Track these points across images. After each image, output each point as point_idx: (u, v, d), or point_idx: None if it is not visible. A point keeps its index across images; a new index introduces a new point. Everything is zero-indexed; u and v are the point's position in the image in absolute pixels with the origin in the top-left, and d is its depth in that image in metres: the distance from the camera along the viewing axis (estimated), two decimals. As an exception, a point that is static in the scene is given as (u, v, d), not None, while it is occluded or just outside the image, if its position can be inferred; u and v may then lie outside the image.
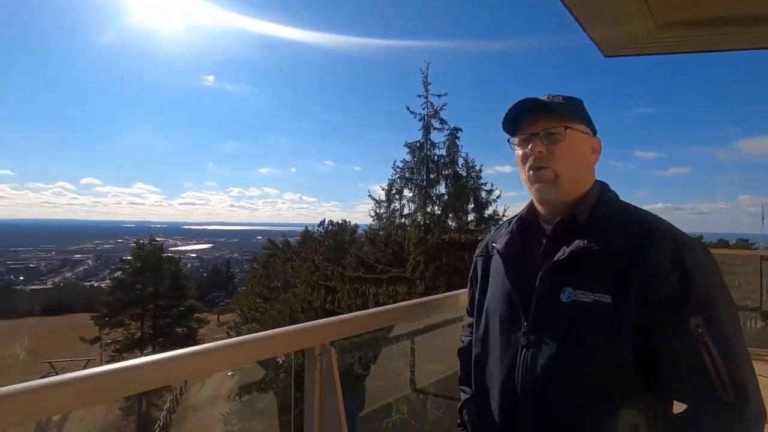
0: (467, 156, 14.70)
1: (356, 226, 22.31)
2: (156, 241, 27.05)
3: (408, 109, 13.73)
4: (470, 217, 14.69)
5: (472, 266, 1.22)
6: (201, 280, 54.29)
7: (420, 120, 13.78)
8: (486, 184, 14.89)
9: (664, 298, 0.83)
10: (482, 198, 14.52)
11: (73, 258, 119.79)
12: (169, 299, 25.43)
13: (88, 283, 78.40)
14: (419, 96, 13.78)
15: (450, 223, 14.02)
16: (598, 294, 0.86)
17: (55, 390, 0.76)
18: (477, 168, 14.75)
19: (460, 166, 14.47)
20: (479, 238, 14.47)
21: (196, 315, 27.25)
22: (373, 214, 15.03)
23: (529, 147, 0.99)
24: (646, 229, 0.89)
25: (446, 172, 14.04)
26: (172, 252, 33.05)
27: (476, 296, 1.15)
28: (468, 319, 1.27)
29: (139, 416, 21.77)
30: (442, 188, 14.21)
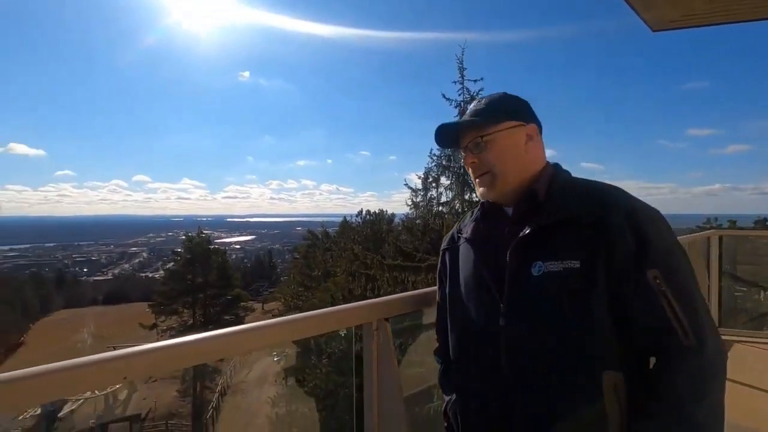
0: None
1: (393, 215, 22.43)
2: (204, 233, 28.45)
3: (444, 96, 13.54)
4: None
5: (440, 260, 1.24)
6: (245, 271, 56.56)
7: (456, 107, 13.56)
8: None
9: (626, 256, 0.88)
10: (522, 183, 14.21)
11: (130, 251, 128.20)
12: (217, 288, 26.78)
13: (143, 274, 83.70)
14: (455, 82, 13.55)
15: (487, 210, 13.85)
16: (567, 261, 0.90)
17: (124, 360, 0.82)
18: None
19: (499, 152, 14.23)
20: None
21: (242, 303, 28.55)
22: (409, 203, 15.06)
23: (465, 159, 1.10)
24: (604, 197, 0.95)
25: (484, 158, 13.85)
26: (217, 244, 34.53)
27: (447, 290, 1.16)
28: (438, 321, 1.27)
29: (194, 398, 23.19)
30: (480, 174, 14.04)
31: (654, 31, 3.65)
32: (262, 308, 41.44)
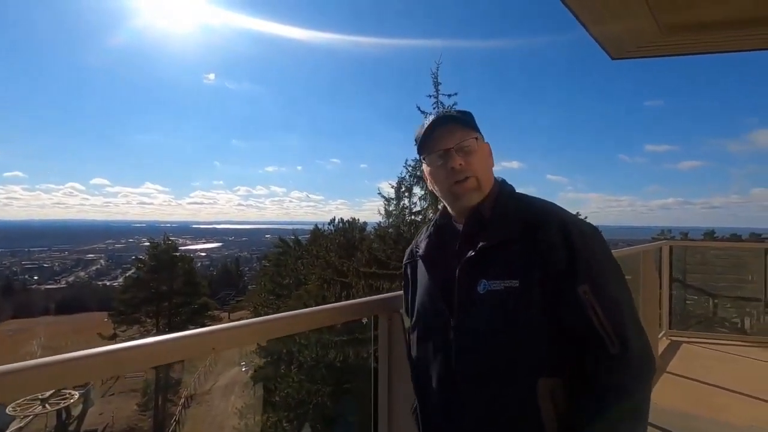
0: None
1: (365, 223, 22.56)
2: (169, 240, 27.57)
3: (419, 108, 13.94)
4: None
5: (403, 274, 1.29)
6: (211, 279, 54.92)
7: (430, 119, 13.99)
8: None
9: (559, 273, 0.95)
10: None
11: (86, 258, 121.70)
12: (182, 297, 25.93)
13: (100, 282, 79.66)
14: (429, 96, 13.97)
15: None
16: (508, 281, 0.96)
17: (80, 361, 0.80)
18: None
19: (470, 164, 14.69)
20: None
21: (209, 312, 27.74)
22: (382, 212, 15.28)
23: (449, 162, 1.06)
24: (539, 216, 1.01)
25: (456, 169, 14.27)
26: (182, 251, 33.50)
27: (409, 301, 1.23)
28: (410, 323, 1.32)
29: (155, 412, 22.26)
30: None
31: (613, 59, 4.01)
32: (229, 317, 40.33)
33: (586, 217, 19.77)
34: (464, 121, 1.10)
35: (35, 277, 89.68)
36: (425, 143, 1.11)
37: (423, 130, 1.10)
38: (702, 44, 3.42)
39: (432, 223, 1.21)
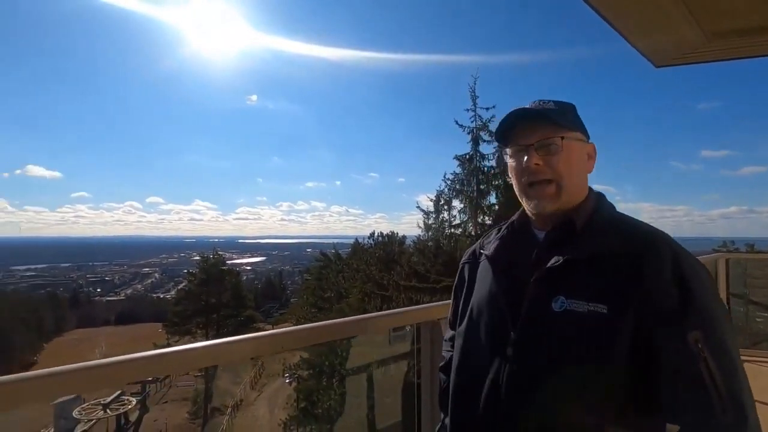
0: (517, 165, 14.71)
1: (404, 237, 22.64)
2: (218, 254, 28.92)
3: (456, 122, 14.04)
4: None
5: (458, 274, 1.16)
6: (256, 292, 56.72)
7: (468, 133, 13.99)
8: (538, 193, 14.82)
9: (664, 311, 0.80)
10: (534, 207, 14.44)
11: (142, 271, 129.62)
12: (230, 309, 27.01)
13: (155, 295, 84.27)
14: (467, 110, 14.02)
15: (501, 233, 14.06)
16: (593, 304, 0.82)
17: (134, 362, 0.97)
18: (528, 177, 14.71)
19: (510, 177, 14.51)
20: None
21: (254, 324, 28.67)
22: (421, 225, 15.33)
23: (525, 159, 0.94)
24: (646, 239, 0.86)
25: (496, 182, 14.11)
26: (229, 265, 34.92)
27: (461, 305, 1.10)
28: (449, 333, 1.21)
29: (204, 420, 23.09)
30: (492, 198, 14.30)
31: (657, 67, 3.91)
32: (273, 328, 41.33)
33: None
34: (553, 115, 0.94)
35: (98, 290, 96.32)
36: (505, 133, 0.98)
37: (503, 119, 0.97)
38: (748, 48, 3.29)
39: (507, 223, 1.07)
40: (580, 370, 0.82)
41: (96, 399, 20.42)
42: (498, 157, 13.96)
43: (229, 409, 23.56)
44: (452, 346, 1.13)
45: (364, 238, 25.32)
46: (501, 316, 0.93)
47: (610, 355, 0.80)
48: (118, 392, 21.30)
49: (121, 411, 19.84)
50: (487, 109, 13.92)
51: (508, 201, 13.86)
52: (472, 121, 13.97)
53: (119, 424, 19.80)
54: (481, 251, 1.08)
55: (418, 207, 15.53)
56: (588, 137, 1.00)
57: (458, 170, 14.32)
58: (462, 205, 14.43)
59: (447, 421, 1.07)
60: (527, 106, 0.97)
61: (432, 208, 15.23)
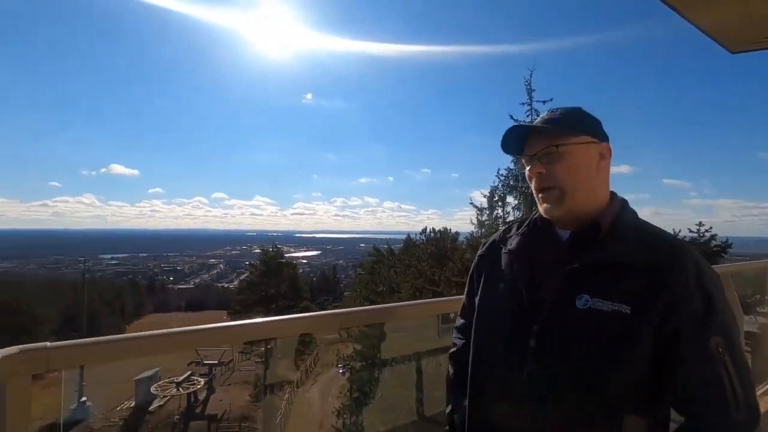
0: (576, 160, 14.05)
1: (457, 233, 22.39)
2: (277, 248, 30.37)
3: (511, 116, 13.61)
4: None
5: (475, 264, 1.19)
6: (311, 284, 58.66)
7: (524, 127, 13.59)
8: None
9: (690, 316, 0.84)
10: (594, 203, 13.73)
11: (209, 262, 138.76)
12: (287, 300, 28.31)
13: (220, 284, 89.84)
14: (522, 104, 13.60)
15: (558, 231, 13.54)
16: (617, 304, 0.86)
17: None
18: (588, 172, 14.00)
19: (568, 171, 13.92)
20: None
21: (309, 315, 29.82)
22: (474, 222, 15.11)
23: (531, 168, 1.02)
24: (672, 248, 0.90)
25: (553, 177, 13.62)
26: (287, 258, 36.52)
27: (478, 297, 1.12)
28: (460, 321, 1.25)
29: (265, 403, 24.46)
30: (549, 195, 13.80)
31: (733, 53, 3.57)
32: (327, 321, 42.55)
33: (711, 227, 17.22)
34: (554, 124, 1.00)
35: (171, 278, 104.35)
36: (516, 145, 1.06)
37: (502, 138, 1.04)
38: None
39: (529, 220, 1.12)
40: (601, 365, 0.86)
41: (170, 378, 22.36)
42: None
43: (287, 395, 24.78)
44: (463, 334, 1.19)
45: (416, 234, 25.40)
46: (522, 309, 0.97)
47: (631, 353, 0.85)
48: (189, 373, 23.15)
49: (191, 390, 21.56)
50: (544, 102, 13.40)
51: (566, 197, 13.37)
52: (527, 115, 13.51)
53: (189, 402, 21.50)
54: (502, 245, 1.12)
55: (471, 203, 15.32)
56: (601, 137, 1.02)
57: (512, 166, 13.96)
58: (516, 202, 14.06)
59: (463, 404, 1.10)
60: (521, 124, 1.06)
61: (485, 204, 14.98)
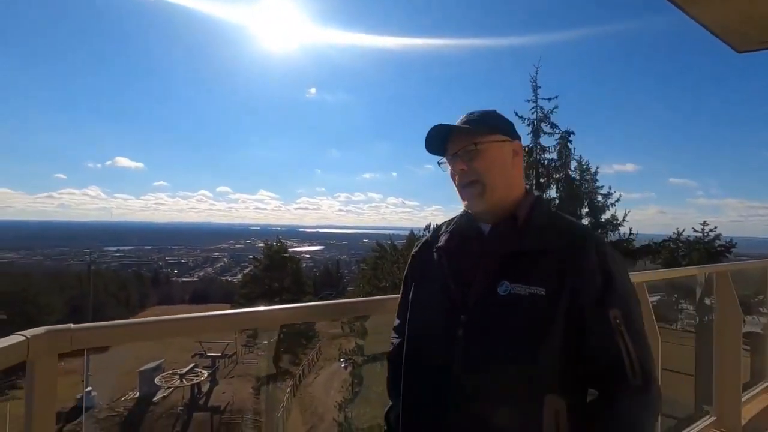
0: (581, 159, 14.00)
1: (460, 230, 22.34)
2: (281, 242, 30.50)
3: (516, 114, 13.60)
4: (585, 221, 13.92)
5: (408, 265, 1.25)
6: (315, 279, 58.88)
7: (529, 125, 13.54)
8: (602, 187, 14.01)
9: (591, 293, 0.94)
10: (598, 202, 13.68)
11: (213, 256, 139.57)
12: (291, 294, 28.45)
13: (224, 278, 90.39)
14: (528, 101, 13.56)
15: (562, 229, 13.53)
16: (534, 287, 0.95)
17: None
18: (592, 170, 13.95)
19: (573, 170, 13.86)
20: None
21: (312, 310, 29.94)
22: (478, 219, 15.12)
23: (453, 166, 1.11)
24: (578, 234, 1.01)
25: (557, 176, 13.58)
26: (290, 252, 36.73)
27: (411, 295, 1.18)
28: (397, 321, 1.29)
29: (267, 396, 24.68)
30: (553, 192, 13.78)
31: (739, 52, 3.53)
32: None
33: (716, 227, 17.15)
34: (472, 125, 1.08)
35: (175, 271, 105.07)
36: (438, 146, 1.13)
37: (426, 137, 1.11)
38: None
39: (456, 218, 1.20)
40: (523, 345, 0.94)
41: (173, 369, 22.61)
42: (559, 149, 13.39)
43: (289, 388, 25.00)
44: (399, 334, 1.23)
45: (419, 230, 25.45)
46: (451, 300, 1.04)
47: (548, 330, 0.93)
48: (192, 365, 23.40)
49: (195, 381, 21.79)
50: (549, 99, 13.36)
51: (570, 194, 13.30)
52: (532, 112, 13.50)
53: (193, 393, 21.74)
54: (433, 243, 1.18)
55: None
56: (514, 136, 1.13)
57: (517, 163, 13.92)
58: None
59: (398, 402, 1.15)
60: (443, 124, 1.10)
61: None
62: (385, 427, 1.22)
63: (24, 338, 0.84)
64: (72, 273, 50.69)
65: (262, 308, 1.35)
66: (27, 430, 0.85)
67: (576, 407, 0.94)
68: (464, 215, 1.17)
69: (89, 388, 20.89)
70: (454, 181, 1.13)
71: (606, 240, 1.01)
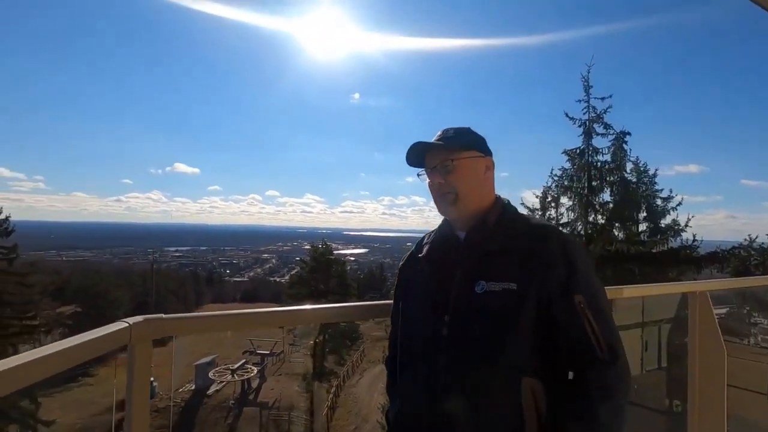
0: (638, 160, 13.25)
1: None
2: (327, 244, 31.20)
3: (566, 115, 13.09)
4: (642, 227, 13.14)
5: (397, 278, 1.35)
6: (359, 282, 59.59)
7: (580, 125, 13.00)
8: (661, 190, 13.16)
9: (557, 282, 1.04)
10: (656, 206, 12.86)
11: (262, 257, 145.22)
12: (336, 296, 28.98)
13: (272, 279, 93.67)
14: (579, 101, 13.03)
15: (616, 234, 12.82)
16: (505, 283, 1.05)
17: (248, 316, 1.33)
18: (650, 172, 13.16)
19: (629, 172, 13.13)
20: (653, 250, 12.85)
21: (357, 312, 30.30)
22: (526, 223, 14.70)
23: (432, 179, 1.22)
24: (541, 231, 1.11)
25: (611, 178, 12.91)
26: (336, 255, 37.49)
27: (401, 305, 1.28)
28: (392, 329, 1.37)
29: (312, 394, 25.28)
30: (606, 196, 13.11)
31: None
32: (373, 319, 43.06)
33: (798, 234, 15.59)
34: (448, 142, 1.19)
35: (227, 271, 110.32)
36: (416, 160, 1.24)
37: (406, 153, 1.22)
38: None
39: (434, 230, 1.31)
40: (500, 335, 1.04)
41: (226, 365, 23.75)
42: (613, 151, 12.74)
43: (333, 388, 25.47)
44: (395, 342, 1.30)
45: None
46: (436, 305, 1.14)
47: (520, 321, 1.04)
48: (243, 361, 24.46)
49: (245, 377, 22.76)
50: (602, 99, 12.76)
51: (626, 198, 12.61)
52: (584, 113, 12.95)
53: (243, 388, 22.71)
54: (417, 255, 1.28)
55: (522, 203, 14.91)
56: (486, 152, 1.24)
57: (567, 165, 13.41)
58: (571, 203, 13.51)
59: (395, 403, 1.24)
60: (423, 142, 1.21)
61: (538, 205, 14.55)
62: (386, 428, 1.30)
63: (127, 325, 0.98)
64: (137, 271, 54.70)
65: (313, 306, 1.48)
66: (129, 399, 1.01)
67: (552, 388, 1.04)
68: (443, 225, 1.28)
69: (151, 378, 22.44)
70: (432, 192, 1.23)
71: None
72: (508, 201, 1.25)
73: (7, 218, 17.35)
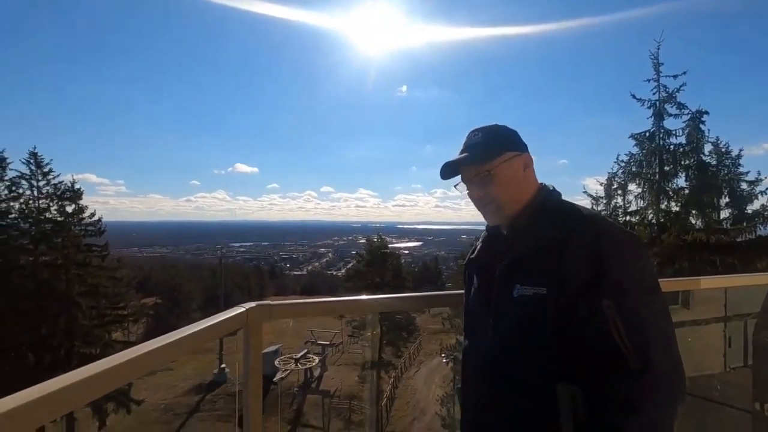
0: (718, 141, 12.05)
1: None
2: (382, 238, 31.60)
3: (633, 96, 12.18)
4: (724, 213, 11.99)
5: (463, 274, 1.38)
6: (414, 275, 59.64)
7: (650, 107, 12.05)
8: (747, 172, 11.88)
9: (580, 284, 0.96)
10: (741, 190, 11.64)
11: (319, 251, 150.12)
12: (392, 289, 29.30)
13: (329, 272, 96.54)
14: (648, 80, 12.06)
15: (693, 222, 11.80)
16: (536, 287, 1.01)
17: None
18: (733, 154, 11.94)
19: (708, 154, 12.00)
20: (738, 239, 11.67)
21: (412, 305, 30.45)
22: (589, 212, 13.98)
23: (471, 190, 1.19)
24: (571, 224, 1.03)
25: (687, 162, 11.86)
26: (390, 248, 37.89)
27: (464, 300, 1.31)
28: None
29: (372, 385, 25.88)
30: (681, 181, 12.08)
31: None
32: (429, 312, 43.10)
33: None
34: (480, 153, 1.14)
35: (287, 265, 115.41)
36: (453, 172, 1.21)
37: (440, 172, 1.20)
38: None
39: (484, 230, 1.31)
40: (530, 340, 1.02)
41: (289, 354, 24.95)
42: (689, 132, 11.65)
43: (392, 379, 25.87)
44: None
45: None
46: (483, 306, 1.17)
47: (549, 325, 0.99)
48: (305, 351, 25.55)
49: (308, 366, 23.78)
50: (675, 77, 11.70)
51: (704, 183, 11.55)
52: (654, 93, 11.97)
53: (306, 377, 23.76)
54: (471, 255, 1.31)
55: (585, 192, 14.17)
56: (522, 148, 1.18)
57: (635, 150, 12.52)
58: (640, 190, 12.61)
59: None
60: (452, 161, 1.18)
61: (602, 193, 13.74)
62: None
63: (244, 310, 1.13)
64: (206, 266, 58.79)
65: (375, 296, 1.59)
66: (246, 373, 1.16)
67: (589, 395, 0.98)
68: (491, 226, 1.27)
69: (223, 365, 24.13)
70: (473, 202, 1.22)
71: (617, 223, 1.09)
72: (553, 187, 1.19)
73: (99, 219, 19.31)
